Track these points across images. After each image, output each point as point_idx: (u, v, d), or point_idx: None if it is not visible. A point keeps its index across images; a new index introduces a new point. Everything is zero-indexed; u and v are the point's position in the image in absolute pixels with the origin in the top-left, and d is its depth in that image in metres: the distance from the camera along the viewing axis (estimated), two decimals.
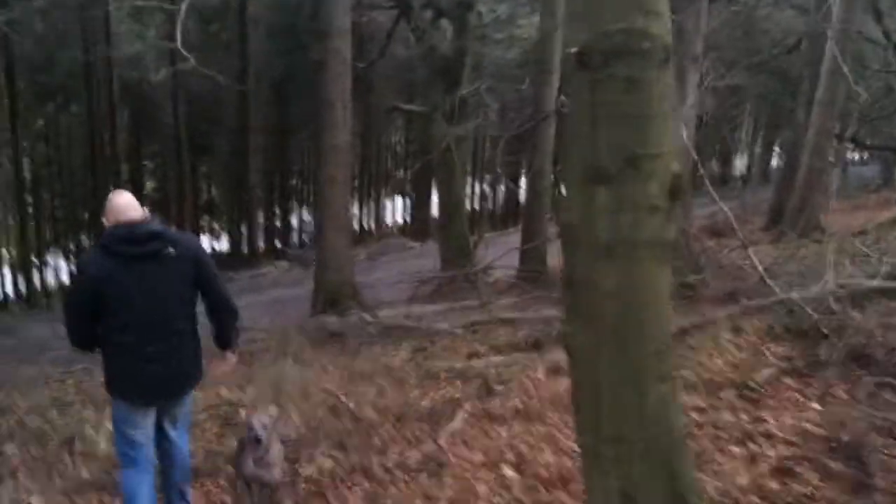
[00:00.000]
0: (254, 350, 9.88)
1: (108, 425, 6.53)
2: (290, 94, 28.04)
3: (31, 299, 22.12)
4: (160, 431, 3.73)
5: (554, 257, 13.59)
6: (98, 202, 24.14)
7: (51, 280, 30.62)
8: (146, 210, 3.47)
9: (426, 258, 20.47)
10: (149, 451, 3.65)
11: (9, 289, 25.83)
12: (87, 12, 20.59)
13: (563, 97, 2.31)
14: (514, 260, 13.48)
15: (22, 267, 23.06)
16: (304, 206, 35.60)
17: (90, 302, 3.33)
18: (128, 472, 3.60)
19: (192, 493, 4.09)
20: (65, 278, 30.10)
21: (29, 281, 23.17)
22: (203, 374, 3.79)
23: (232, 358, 3.91)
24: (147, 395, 3.52)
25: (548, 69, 11.92)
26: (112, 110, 23.49)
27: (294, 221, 34.27)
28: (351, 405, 6.02)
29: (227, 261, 27.28)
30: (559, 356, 5.83)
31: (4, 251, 26.36)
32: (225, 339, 3.79)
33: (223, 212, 34.82)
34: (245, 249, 27.45)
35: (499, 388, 5.77)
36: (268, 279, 19.78)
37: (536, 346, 7.19)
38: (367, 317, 9.78)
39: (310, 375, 7.76)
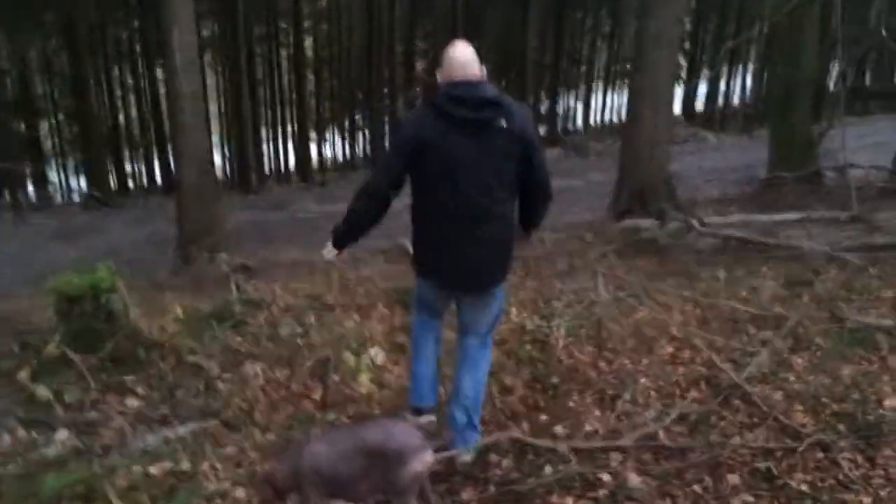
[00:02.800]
0: (543, 257, 7.64)
1: (372, 351, 4.81)
2: None
3: (307, 174, 21.81)
4: (462, 337, 3.28)
5: None
6: (372, 82, 23.21)
7: (327, 155, 31.11)
8: (484, 70, 2.88)
9: (728, 152, 17.04)
10: (439, 326, 3.37)
11: (291, 163, 26.18)
12: None
13: None
14: (878, 157, 9.90)
15: (300, 142, 22.71)
16: (574, 91, 32.62)
17: (405, 164, 2.83)
18: (416, 322, 3.39)
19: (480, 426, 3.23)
20: (339, 154, 30.44)
21: (306, 156, 22.84)
22: (511, 271, 3.27)
23: (533, 242, 3.67)
24: (451, 280, 3.06)
25: None
26: None
27: (561, 107, 31.43)
28: (739, 381, 3.46)
29: None
30: None
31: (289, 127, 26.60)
32: (532, 223, 3.20)
33: None
34: None
35: None
36: None
37: None
38: (697, 223, 7.04)
39: (637, 307, 5.30)
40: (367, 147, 27.86)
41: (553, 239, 8.70)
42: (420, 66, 32.89)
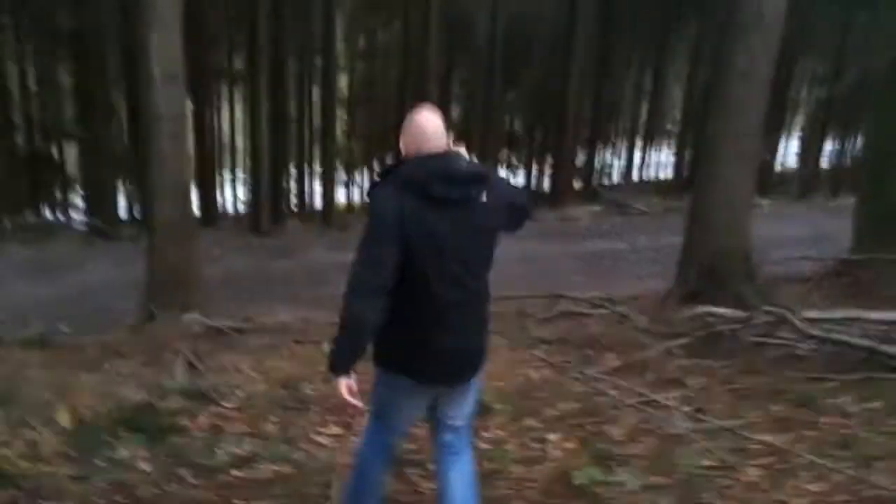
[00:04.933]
0: (585, 344, 5.90)
1: None
2: (621, 14, 23.44)
3: (329, 216, 20.20)
4: (440, 435, 2.74)
5: None
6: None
7: (356, 198, 29.70)
8: (451, 137, 2.53)
9: (787, 223, 15.10)
10: (398, 445, 2.87)
11: (318, 203, 24.72)
12: None
13: None
14: None
15: (325, 182, 21.20)
16: (611, 146, 30.88)
17: (394, 253, 2.36)
18: (366, 451, 2.74)
19: None
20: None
21: (331, 197, 21.29)
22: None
23: None
24: (437, 374, 2.55)
25: None
26: (427, 28, 20.40)
27: (598, 160, 29.55)
28: None
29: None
30: None
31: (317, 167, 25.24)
32: None
33: (525, 145, 31.55)
34: (547, 187, 23.62)
35: None
36: (578, 225, 15.52)
37: None
38: (795, 319, 5.21)
39: (741, 458, 3.48)
40: None
41: (597, 317, 6.94)
42: (455, 112, 31.64)
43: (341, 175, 27.47)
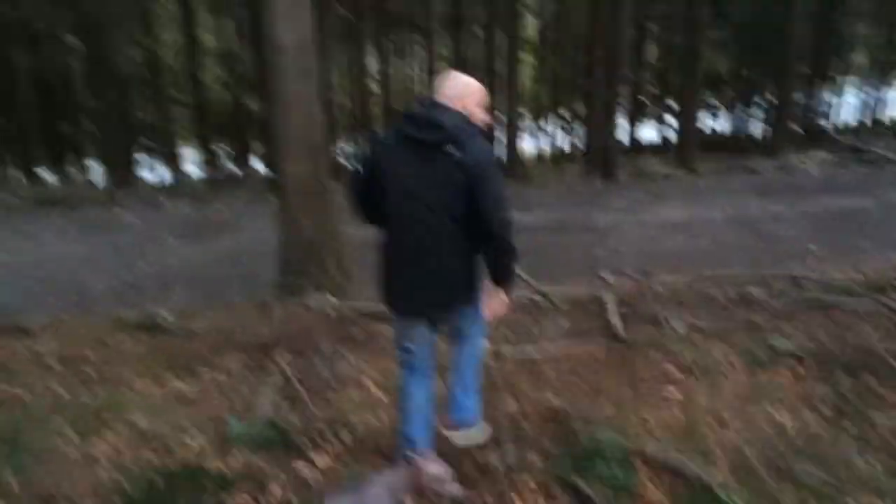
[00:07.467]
0: (832, 358, 3.85)
1: None
2: None
3: (515, 168, 18.43)
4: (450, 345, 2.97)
5: None
6: (593, 68, 19.37)
7: (543, 147, 27.78)
8: (460, 102, 2.58)
9: None
10: (423, 362, 2.84)
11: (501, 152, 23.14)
12: None
13: None
14: None
15: (509, 132, 19.39)
16: (843, 80, 26.11)
17: (366, 179, 2.66)
18: (403, 372, 2.89)
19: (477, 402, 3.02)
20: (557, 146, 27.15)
21: (515, 148, 19.48)
22: (474, 296, 2.72)
23: (502, 299, 2.74)
24: (398, 303, 2.72)
25: None
26: None
27: (823, 100, 24.89)
28: None
29: (731, 145, 20.48)
30: None
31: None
32: (494, 275, 2.70)
33: (729, 86, 27.68)
34: (759, 132, 20.19)
35: None
36: (799, 176, 12.51)
37: None
38: None
39: None
40: (584, 138, 24.05)
41: (864, 313, 4.70)
42: (653, 52, 28.47)
43: (527, 123, 25.67)
